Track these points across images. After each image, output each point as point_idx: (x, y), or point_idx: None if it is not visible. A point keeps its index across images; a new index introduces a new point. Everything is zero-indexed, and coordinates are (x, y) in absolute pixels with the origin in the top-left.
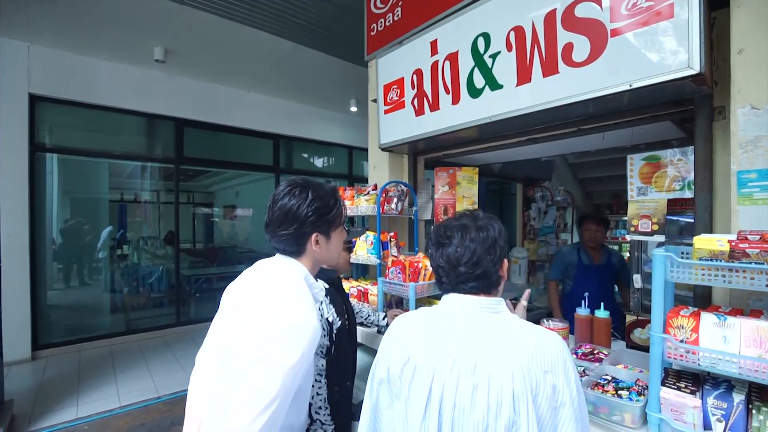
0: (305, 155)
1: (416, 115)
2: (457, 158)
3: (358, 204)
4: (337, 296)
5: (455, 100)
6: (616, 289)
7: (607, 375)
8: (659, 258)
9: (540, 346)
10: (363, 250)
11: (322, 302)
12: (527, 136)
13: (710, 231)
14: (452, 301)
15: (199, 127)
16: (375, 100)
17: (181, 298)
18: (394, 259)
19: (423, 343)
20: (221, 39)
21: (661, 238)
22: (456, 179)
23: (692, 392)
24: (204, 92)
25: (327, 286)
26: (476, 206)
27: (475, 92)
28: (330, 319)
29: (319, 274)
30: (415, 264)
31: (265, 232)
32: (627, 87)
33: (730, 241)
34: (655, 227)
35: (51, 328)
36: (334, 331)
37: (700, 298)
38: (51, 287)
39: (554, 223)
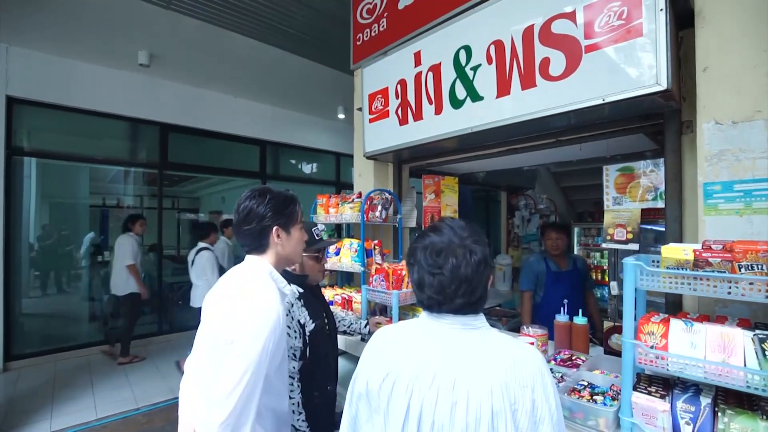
0: (292, 161)
1: (400, 124)
2: (441, 167)
3: (342, 211)
4: (312, 300)
5: (438, 110)
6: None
7: (583, 380)
8: (630, 267)
9: (518, 361)
10: (347, 258)
11: (293, 304)
12: (508, 147)
13: (680, 240)
14: (434, 318)
15: (184, 132)
16: (360, 109)
17: (164, 307)
18: (378, 266)
19: (403, 358)
20: (207, 44)
21: (636, 246)
22: (440, 187)
23: (662, 396)
24: (189, 97)
25: (301, 290)
26: (456, 214)
27: (457, 103)
28: (302, 321)
29: (292, 279)
30: (399, 271)
31: (234, 233)
32: (601, 101)
33: (694, 251)
34: (630, 236)
35: (25, 338)
36: (307, 334)
37: (671, 305)
38: (26, 295)
39: (537, 231)
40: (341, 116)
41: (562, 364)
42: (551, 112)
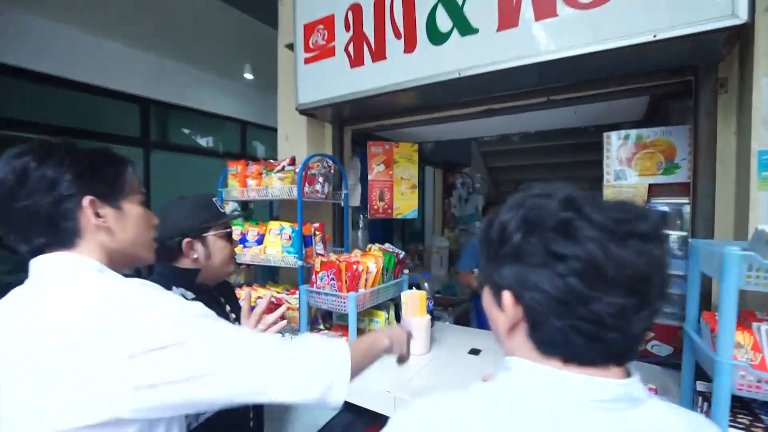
0: (186, 129)
1: (352, 65)
2: (390, 132)
3: (269, 184)
4: (214, 308)
5: (409, 46)
6: None
7: None
8: (734, 259)
9: None
10: (275, 248)
11: None
12: (486, 106)
13: (712, 220)
14: (557, 385)
15: (23, 78)
16: (291, 46)
17: None
18: (324, 260)
19: None
20: None
21: None
22: (393, 157)
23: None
24: (34, 32)
25: (191, 294)
26: (416, 191)
27: (438, 37)
28: None
29: (174, 278)
30: (354, 266)
31: None
32: (650, 38)
33: None
34: None
35: None
36: None
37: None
38: None
39: (475, 211)
40: (248, 76)
41: None
42: (579, 51)
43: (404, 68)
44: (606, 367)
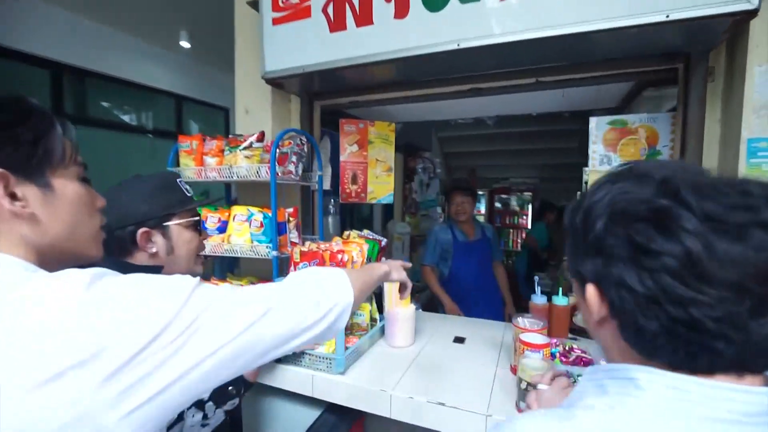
0: (108, 102)
1: (331, 30)
2: (362, 109)
3: (233, 162)
4: None
5: (401, 12)
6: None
7: None
8: None
9: None
10: (243, 237)
11: None
12: (471, 85)
13: None
14: (704, 398)
15: None
16: (254, 4)
17: None
18: (304, 249)
19: None
20: None
21: None
22: (368, 137)
23: None
24: None
25: None
26: (392, 174)
27: (434, 3)
28: None
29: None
30: (338, 256)
31: None
32: (663, 17)
33: None
34: None
35: None
36: None
37: None
38: None
39: (437, 196)
40: (185, 45)
41: (566, 361)
42: (592, 27)
43: (394, 36)
44: (739, 376)
